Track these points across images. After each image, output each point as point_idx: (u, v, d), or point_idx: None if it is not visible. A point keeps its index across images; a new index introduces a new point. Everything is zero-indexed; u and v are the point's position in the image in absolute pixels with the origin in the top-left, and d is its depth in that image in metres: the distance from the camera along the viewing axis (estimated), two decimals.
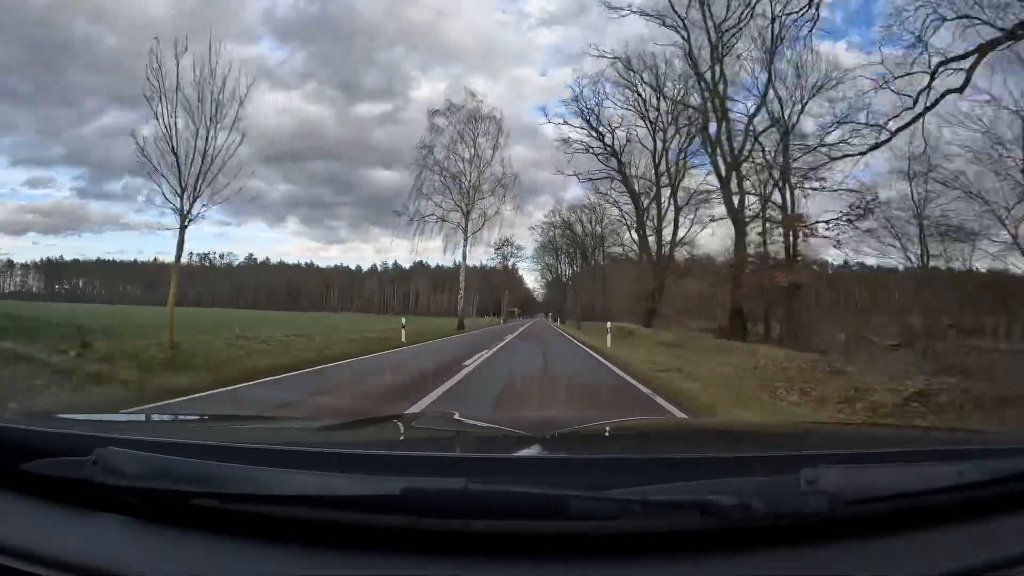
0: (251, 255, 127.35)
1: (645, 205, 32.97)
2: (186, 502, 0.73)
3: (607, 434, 1.52)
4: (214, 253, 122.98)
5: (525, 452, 1.11)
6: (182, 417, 2.67)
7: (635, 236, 36.90)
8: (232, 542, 0.71)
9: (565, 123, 32.51)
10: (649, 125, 30.68)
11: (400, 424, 1.62)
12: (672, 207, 31.05)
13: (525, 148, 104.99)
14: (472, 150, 33.22)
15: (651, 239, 32.70)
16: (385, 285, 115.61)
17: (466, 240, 33.10)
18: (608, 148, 32.26)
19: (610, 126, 31.41)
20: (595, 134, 31.93)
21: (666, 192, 31.52)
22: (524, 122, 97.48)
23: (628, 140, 31.75)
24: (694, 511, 0.67)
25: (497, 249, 56.63)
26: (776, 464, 0.82)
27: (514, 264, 62.02)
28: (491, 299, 71.85)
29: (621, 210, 36.96)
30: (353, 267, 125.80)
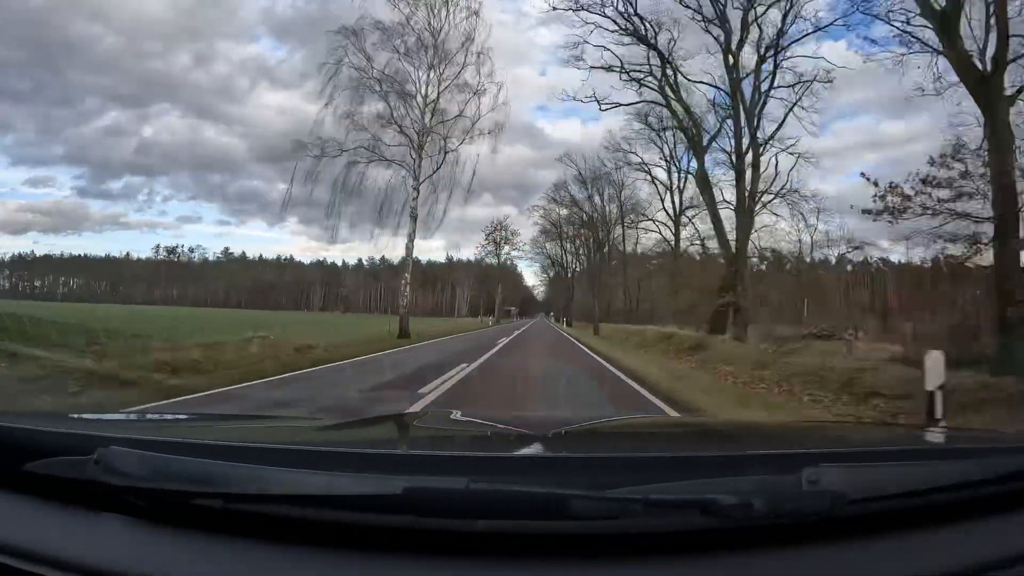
0: (227, 249, 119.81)
1: (706, 140, 19.63)
2: (188, 502, 0.74)
3: (608, 433, 1.52)
4: (182, 247, 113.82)
5: (526, 451, 1.12)
6: (184, 416, 2.67)
7: (670, 208, 27.11)
8: (234, 542, 0.72)
9: (580, 7, 18.34)
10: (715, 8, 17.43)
11: (402, 423, 1.63)
12: (751, 145, 18.07)
13: (525, 148, 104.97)
14: (431, 50, 19.94)
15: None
16: (369, 282, 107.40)
17: (417, 188, 19.62)
18: (650, 45, 18.54)
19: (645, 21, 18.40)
20: (624, 23, 18.36)
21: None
22: (524, 121, 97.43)
23: (672, 54, 18.39)
24: (695, 510, 0.67)
25: (488, 235, 47.85)
26: (777, 463, 0.82)
27: (508, 253, 52.75)
28: (487, 297, 66.12)
29: (652, 175, 27.14)
30: (340, 263, 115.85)
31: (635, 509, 0.68)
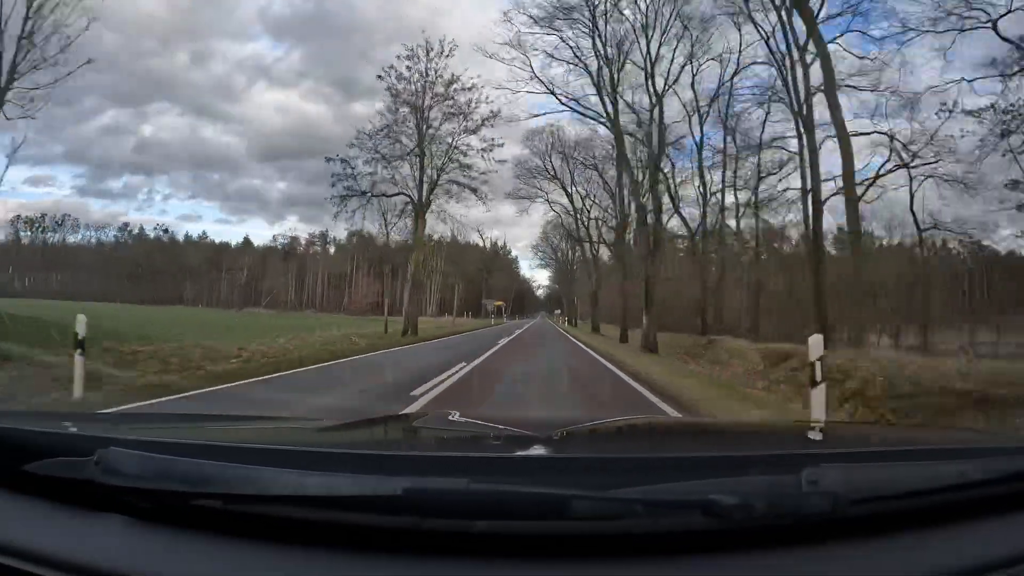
0: (126, 224, 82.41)
1: None
2: (188, 502, 0.73)
3: (609, 433, 1.52)
4: (43, 217, 76.04)
5: (527, 452, 1.11)
6: (184, 417, 2.67)
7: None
8: (234, 543, 0.71)
9: None
10: None
11: (402, 424, 1.63)
12: None
13: (523, 148, 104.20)
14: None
15: None
16: (297, 269, 78.18)
17: None
18: None
19: None
20: None
21: None
22: (522, 120, 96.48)
23: None
24: (696, 511, 0.67)
25: (393, 92, 22.02)
26: (778, 464, 0.82)
27: (463, 151, 23.98)
28: (479, 290, 56.44)
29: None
30: (278, 245, 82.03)
31: (636, 510, 0.68)
